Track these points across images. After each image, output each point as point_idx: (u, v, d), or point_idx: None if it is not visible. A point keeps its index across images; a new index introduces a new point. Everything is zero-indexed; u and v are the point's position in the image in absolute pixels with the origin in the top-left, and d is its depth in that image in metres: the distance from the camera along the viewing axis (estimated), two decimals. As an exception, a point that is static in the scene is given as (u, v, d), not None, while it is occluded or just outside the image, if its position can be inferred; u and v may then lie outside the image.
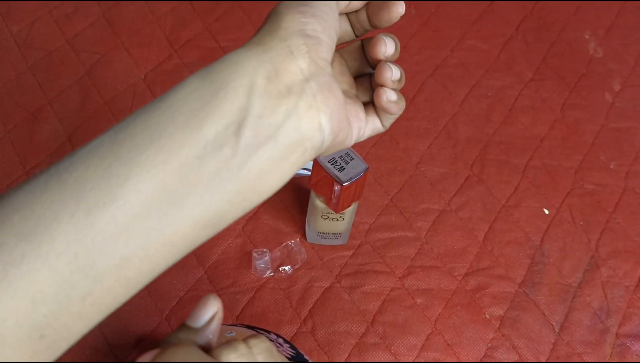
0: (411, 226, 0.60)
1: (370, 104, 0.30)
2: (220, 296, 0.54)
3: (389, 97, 0.28)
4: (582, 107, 0.70)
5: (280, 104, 0.23)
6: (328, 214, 0.51)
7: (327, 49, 0.25)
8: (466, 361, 0.52)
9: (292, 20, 0.24)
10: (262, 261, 0.55)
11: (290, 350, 0.41)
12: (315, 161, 0.47)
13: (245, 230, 0.58)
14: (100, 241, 0.20)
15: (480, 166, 0.64)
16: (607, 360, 0.53)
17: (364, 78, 0.31)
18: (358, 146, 0.64)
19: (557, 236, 0.60)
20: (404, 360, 0.52)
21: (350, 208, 0.51)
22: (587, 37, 0.77)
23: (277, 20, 0.24)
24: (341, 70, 0.30)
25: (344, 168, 0.46)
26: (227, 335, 0.40)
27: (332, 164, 0.46)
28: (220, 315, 0.28)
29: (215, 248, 0.56)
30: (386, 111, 0.29)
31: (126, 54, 0.70)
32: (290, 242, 0.56)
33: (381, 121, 0.30)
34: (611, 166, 0.66)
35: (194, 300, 0.54)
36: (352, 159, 0.46)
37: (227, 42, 0.71)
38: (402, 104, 0.29)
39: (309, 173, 0.56)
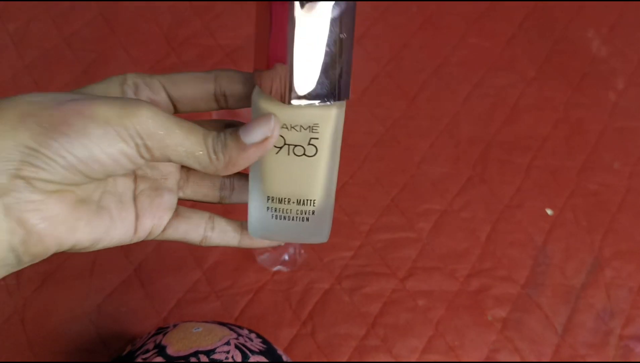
0: (412, 226, 0.59)
1: None
2: (218, 297, 0.54)
3: None
4: (585, 106, 0.69)
5: None
6: (285, 138, 0.24)
7: (62, 168, 0.20)
8: (468, 362, 0.52)
9: (29, 129, 0.20)
10: (265, 255, 0.55)
11: (261, 344, 0.41)
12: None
13: (244, 231, 0.57)
14: None
15: (482, 166, 0.63)
16: (610, 362, 0.53)
17: None
18: (358, 146, 0.63)
19: (560, 237, 0.59)
20: (405, 363, 0.51)
21: (330, 130, 0.24)
22: (590, 35, 0.76)
23: (4, 110, 0.20)
24: None
25: None
26: (194, 331, 0.40)
27: None
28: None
29: (214, 249, 0.56)
30: None
31: (123, 53, 0.69)
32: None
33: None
34: (615, 166, 0.65)
35: (191, 302, 0.53)
36: None
37: (226, 40, 0.71)
38: None
39: None
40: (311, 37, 0.22)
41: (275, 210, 0.26)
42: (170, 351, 0.38)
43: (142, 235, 0.25)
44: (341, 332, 0.53)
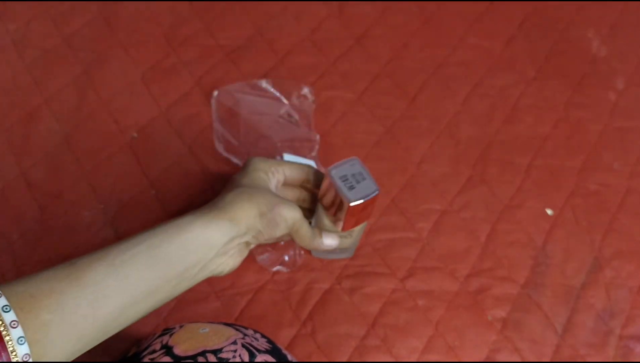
0: (412, 226, 0.59)
1: None
2: (218, 297, 0.54)
3: None
4: (585, 106, 0.69)
5: (219, 261, 0.40)
6: (335, 231, 0.48)
7: (263, 239, 0.42)
8: (468, 362, 0.52)
9: (262, 221, 0.41)
10: (265, 255, 0.55)
11: (267, 344, 0.41)
12: (326, 176, 0.44)
13: (244, 231, 0.57)
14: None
15: (482, 166, 0.63)
16: (610, 362, 0.53)
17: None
18: (358, 146, 0.63)
19: (560, 237, 0.59)
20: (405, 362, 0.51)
21: (359, 226, 0.48)
22: (590, 35, 0.76)
23: (253, 207, 0.40)
24: None
25: (354, 187, 0.43)
26: (201, 332, 0.40)
27: (343, 181, 0.43)
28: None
29: (214, 249, 0.56)
30: None
31: (123, 53, 0.69)
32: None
33: None
34: (615, 166, 0.65)
35: (191, 302, 0.53)
36: (364, 179, 0.44)
37: (226, 40, 0.71)
38: None
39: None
40: (357, 214, 0.45)
41: (327, 252, 0.55)
42: (178, 351, 0.38)
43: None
44: (341, 332, 0.53)
